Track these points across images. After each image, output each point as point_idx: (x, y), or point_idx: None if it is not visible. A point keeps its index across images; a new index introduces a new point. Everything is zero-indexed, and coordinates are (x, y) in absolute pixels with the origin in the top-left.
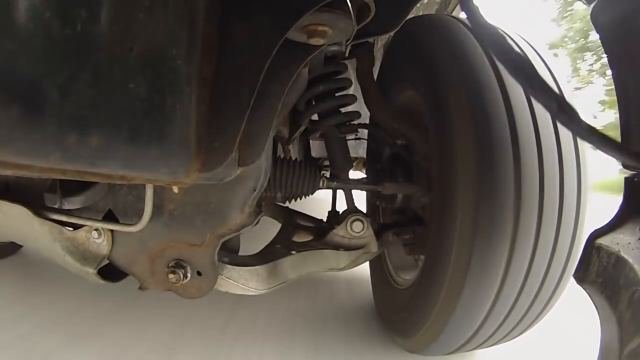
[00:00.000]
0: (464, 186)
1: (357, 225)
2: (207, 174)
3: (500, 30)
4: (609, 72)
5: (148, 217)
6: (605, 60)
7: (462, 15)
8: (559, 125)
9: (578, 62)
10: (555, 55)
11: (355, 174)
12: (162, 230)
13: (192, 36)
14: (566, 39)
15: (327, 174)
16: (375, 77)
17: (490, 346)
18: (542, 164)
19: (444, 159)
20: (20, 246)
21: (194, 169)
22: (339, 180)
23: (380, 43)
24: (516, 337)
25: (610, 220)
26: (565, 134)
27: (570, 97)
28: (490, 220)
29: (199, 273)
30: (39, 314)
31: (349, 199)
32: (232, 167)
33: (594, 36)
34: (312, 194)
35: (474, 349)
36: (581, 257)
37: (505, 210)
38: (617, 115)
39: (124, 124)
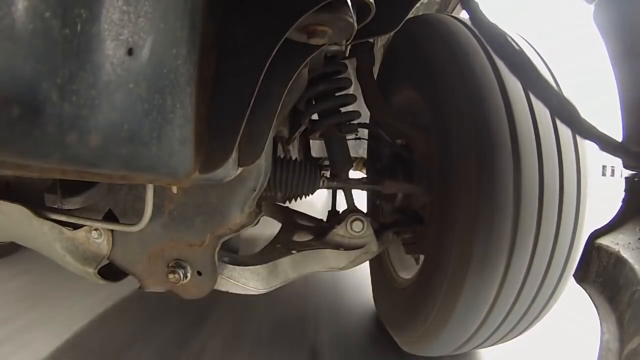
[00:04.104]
0: (464, 185)
1: (357, 225)
2: (207, 174)
3: (500, 28)
4: None
5: (148, 217)
6: None
7: (462, 15)
8: (559, 124)
9: None
10: None
11: (355, 174)
12: (162, 230)
13: (192, 36)
14: None
15: (327, 174)
16: (375, 76)
17: (490, 346)
18: (541, 163)
19: (444, 158)
20: (20, 246)
21: (194, 169)
22: (339, 180)
23: (380, 43)
24: (516, 337)
25: (610, 220)
26: (565, 132)
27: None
28: (490, 219)
29: (199, 273)
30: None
31: (349, 199)
32: (232, 167)
33: None
34: (312, 194)
35: (473, 348)
36: (581, 257)
37: (505, 210)
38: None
39: (124, 124)
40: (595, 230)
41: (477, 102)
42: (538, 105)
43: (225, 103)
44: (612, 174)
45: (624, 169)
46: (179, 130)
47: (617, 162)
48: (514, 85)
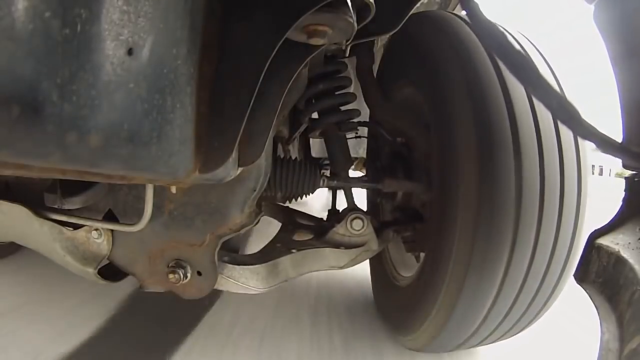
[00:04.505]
0: (464, 183)
1: (357, 224)
2: (207, 174)
3: (500, 28)
4: None
5: (148, 217)
6: None
7: (463, 14)
8: (560, 123)
9: None
10: None
11: (355, 174)
12: (162, 230)
13: (192, 36)
14: None
15: (327, 173)
16: (375, 74)
17: (490, 343)
18: (542, 161)
19: (444, 156)
20: (20, 246)
21: (194, 169)
22: (339, 179)
23: (380, 43)
24: (516, 334)
25: (610, 220)
26: (566, 131)
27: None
28: (490, 217)
29: (199, 273)
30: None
31: (349, 198)
32: (232, 167)
33: None
34: (312, 193)
35: (474, 346)
36: (581, 257)
37: (506, 208)
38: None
39: (124, 124)
40: (595, 230)
41: (477, 98)
42: (539, 103)
43: (225, 103)
44: (601, 173)
45: (615, 169)
46: (179, 130)
47: (605, 161)
48: (515, 82)
